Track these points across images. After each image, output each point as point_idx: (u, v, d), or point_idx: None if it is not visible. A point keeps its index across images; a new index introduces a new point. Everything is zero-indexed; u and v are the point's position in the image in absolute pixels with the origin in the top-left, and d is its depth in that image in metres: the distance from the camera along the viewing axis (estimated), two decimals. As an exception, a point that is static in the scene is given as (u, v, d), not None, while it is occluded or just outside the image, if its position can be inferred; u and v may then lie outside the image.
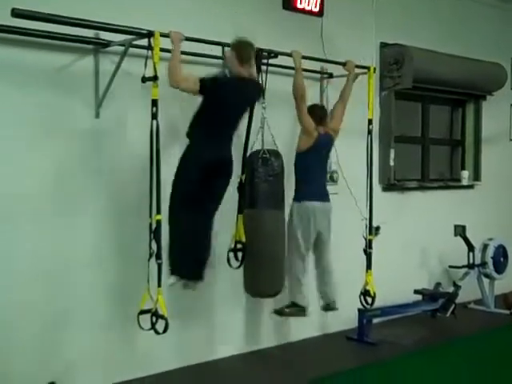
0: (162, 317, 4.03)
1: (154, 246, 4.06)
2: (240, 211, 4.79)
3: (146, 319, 4.09)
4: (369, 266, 5.44)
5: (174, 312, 4.21)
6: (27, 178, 4.17)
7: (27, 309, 4.18)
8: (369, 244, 5.46)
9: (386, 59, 6.42)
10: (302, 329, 5.74)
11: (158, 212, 4.06)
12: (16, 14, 3.71)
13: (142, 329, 4.12)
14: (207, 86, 4.21)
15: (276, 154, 4.93)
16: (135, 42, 4.25)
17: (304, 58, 5.08)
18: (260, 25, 5.33)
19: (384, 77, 6.46)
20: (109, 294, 4.57)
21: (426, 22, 6.87)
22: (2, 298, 4.08)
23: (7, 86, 4.08)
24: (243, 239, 4.80)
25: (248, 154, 4.87)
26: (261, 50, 4.82)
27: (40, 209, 4.24)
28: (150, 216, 4.09)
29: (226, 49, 4.87)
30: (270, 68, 5.02)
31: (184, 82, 4.16)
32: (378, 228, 5.75)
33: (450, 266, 7.00)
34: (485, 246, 7.05)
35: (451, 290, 6.69)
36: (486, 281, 7.06)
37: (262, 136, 4.89)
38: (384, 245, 5.81)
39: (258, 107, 4.81)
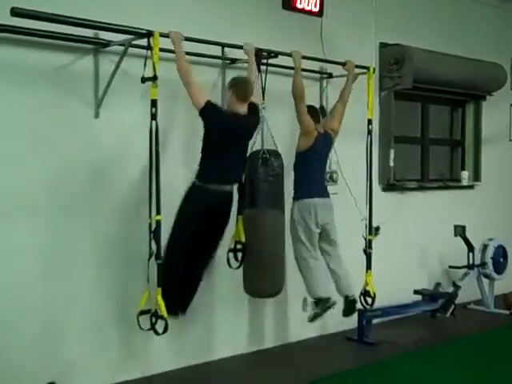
0: (162, 317, 4.03)
1: (154, 246, 4.06)
2: (240, 211, 4.79)
3: (145, 319, 4.08)
4: (369, 267, 5.44)
5: (173, 312, 4.22)
6: (27, 178, 4.17)
7: (27, 309, 4.18)
8: (369, 244, 5.46)
9: (386, 59, 6.41)
10: (301, 329, 5.74)
11: (158, 212, 4.06)
12: (15, 13, 3.70)
13: (142, 329, 4.12)
14: (209, 109, 4.23)
15: (276, 154, 4.93)
16: (135, 42, 4.25)
17: (304, 57, 5.08)
18: (260, 25, 5.34)
19: (384, 77, 6.46)
20: (109, 294, 4.56)
21: (426, 22, 6.87)
22: (2, 297, 4.08)
23: (7, 86, 4.08)
24: (243, 239, 4.79)
25: (248, 154, 4.87)
26: (261, 50, 4.82)
27: (40, 209, 4.24)
28: (150, 216, 4.08)
29: (226, 49, 4.89)
30: (270, 68, 5.02)
31: (195, 88, 4.20)
32: (377, 228, 5.73)
33: (450, 267, 7.00)
34: (485, 247, 7.05)
35: (451, 290, 6.70)
36: (485, 281, 7.06)
37: (262, 136, 4.89)
38: (384, 245, 5.81)
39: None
